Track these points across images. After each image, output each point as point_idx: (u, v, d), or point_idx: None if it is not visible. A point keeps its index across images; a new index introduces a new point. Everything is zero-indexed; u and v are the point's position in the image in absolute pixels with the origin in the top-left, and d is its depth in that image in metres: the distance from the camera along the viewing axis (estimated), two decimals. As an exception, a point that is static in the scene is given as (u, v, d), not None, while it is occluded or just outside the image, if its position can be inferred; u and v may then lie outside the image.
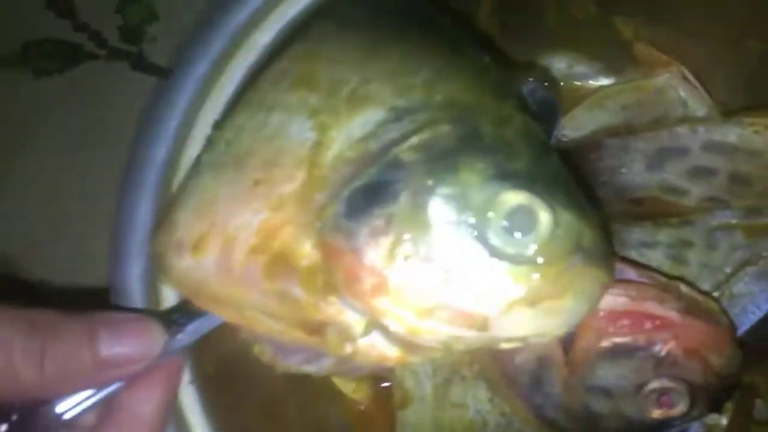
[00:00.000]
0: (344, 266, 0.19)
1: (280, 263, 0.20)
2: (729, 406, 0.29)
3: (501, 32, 0.34)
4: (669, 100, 0.33)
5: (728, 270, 0.29)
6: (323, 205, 0.20)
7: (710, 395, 0.27)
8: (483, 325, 0.19)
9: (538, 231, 0.18)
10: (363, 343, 0.21)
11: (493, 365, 0.27)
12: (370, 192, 0.19)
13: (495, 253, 0.18)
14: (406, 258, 0.19)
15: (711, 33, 0.32)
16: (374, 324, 0.20)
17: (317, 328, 0.21)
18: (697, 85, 0.33)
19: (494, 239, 0.18)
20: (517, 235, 0.18)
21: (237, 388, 0.29)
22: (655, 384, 0.26)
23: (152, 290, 0.26)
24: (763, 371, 0.29)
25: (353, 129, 0.20)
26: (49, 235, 0.41)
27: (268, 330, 0.23)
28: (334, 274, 0.19)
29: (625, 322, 0.26)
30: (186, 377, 0.25)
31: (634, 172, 0.30)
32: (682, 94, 0.33)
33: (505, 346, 0.20)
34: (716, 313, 0.28)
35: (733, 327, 0.28)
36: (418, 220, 0.19)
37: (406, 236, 0.19)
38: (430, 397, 0.28)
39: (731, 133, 0.29)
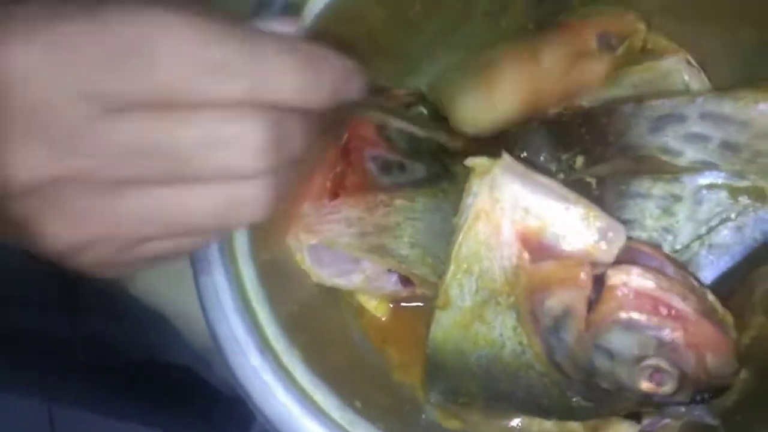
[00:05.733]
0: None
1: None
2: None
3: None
4: (673, 82, 0.38)
5: (712, 224, 0.34)
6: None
7: (696, 388, 0.31)
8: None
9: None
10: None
11: (526, 301, 0.31)
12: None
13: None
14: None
15: (711, 24, 0.36)
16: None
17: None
18: (699, 69, 0.38)
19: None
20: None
21: (285, 280, 0.34)
22: (652, 361, 0.29)
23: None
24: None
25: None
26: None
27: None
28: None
29: (647, 303, 0.30)
30: (247, 257, 0.30)
31: (639, 134, 0.35)
32: (685, 77, 0.38)
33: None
34: (729, 325, 0.31)
35: (738, 343, 0.31)
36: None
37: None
38: (467, 308, 0.32)
39: (725, 105, 0.33)
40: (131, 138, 0.19)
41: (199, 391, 0.61)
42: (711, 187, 0.34)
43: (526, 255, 0.30)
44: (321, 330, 0.37)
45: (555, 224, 0.30)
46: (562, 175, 0.37)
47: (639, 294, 0.29)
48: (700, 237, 0.34)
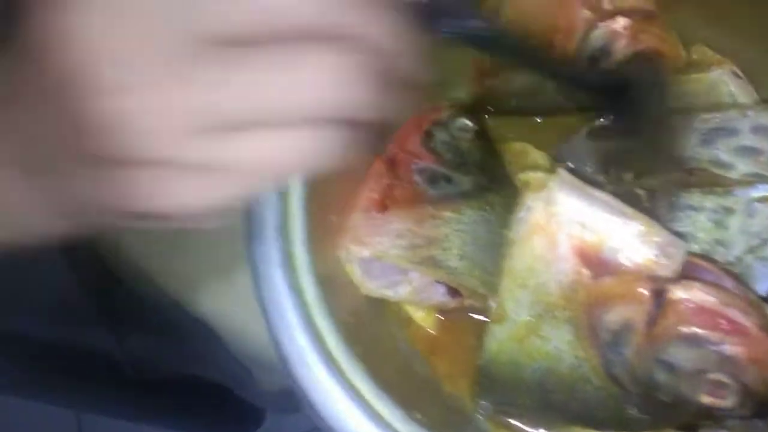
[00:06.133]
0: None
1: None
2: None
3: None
4: (720, 93, 0.38)
5: (765, 236, 0.34)
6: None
7: (758, 402, 0.30)
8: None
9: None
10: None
11: (583, 315, 0.31)
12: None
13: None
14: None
15: (757, 36, 0.37)
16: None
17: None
18: (746, 80, 0.38)
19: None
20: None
21: (339, 291, 0.34)
22: (713, 375, 0.30)
23: (283, 203, 0.31)
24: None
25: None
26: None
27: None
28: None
29: (709, 317, 0.30)
30: (306, 267, 0.30)
31: (689, 146, 0.35)
32: (732, 88, 0.38)
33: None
34: None
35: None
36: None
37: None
38: (523, 322, 0.32)
39: (777, 119, 0.34)
40: (221, 79, 0.18)
41: (226, 402, 0.62)
42: (763, 200, 0.34)
43: (584, 270, 0.31)
44: (373, 341, 0.37)
45: (613, 239, 0.30)
46: (611, 188, 0.37)
47: (700, 309, 0.29)
48: (753, 249, 0.34)
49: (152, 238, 0.43)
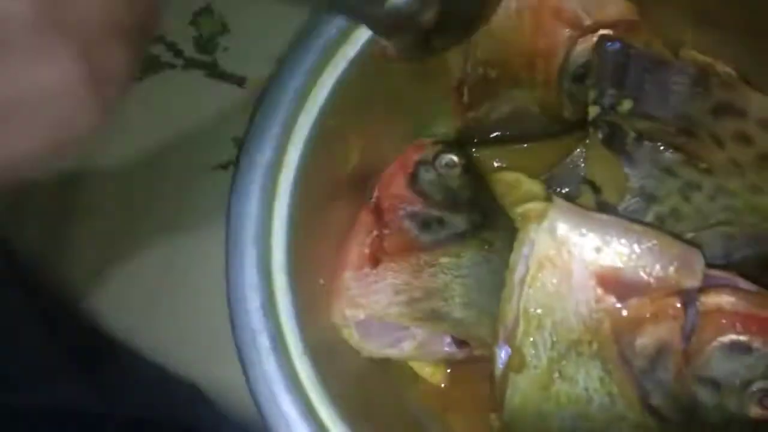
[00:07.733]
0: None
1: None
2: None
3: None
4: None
5: (711, 222, 0.32)
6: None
7: None
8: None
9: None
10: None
11: (612, 346, 0.29)
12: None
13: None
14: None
15: (745, 32, 0.34)
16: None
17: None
18: (741, 80, 0.36)
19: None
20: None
21: (335, 359, 0.31)
22: (761, 384, 0.28)
23: (266, 278, 0.28)
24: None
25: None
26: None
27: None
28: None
29: (745, 322, 0.28)
30: (300, 349, 0.27)
31: (698, 109, 0.33)
32: (727, 90, 0.36)
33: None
34: None
35: None
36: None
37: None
38: (545, 367, 0.30)
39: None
40: None
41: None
42: (732, 192, 0.32)
43: (607, 296, 0.29)
44: (379, 408, 0.34)
45: (631, 258, 0.28)
46: (598, 108, 0.34)
47: (735, 314, 0.28)
48: (697, 230, 0.32)
49: (131, 298, 0.40)
